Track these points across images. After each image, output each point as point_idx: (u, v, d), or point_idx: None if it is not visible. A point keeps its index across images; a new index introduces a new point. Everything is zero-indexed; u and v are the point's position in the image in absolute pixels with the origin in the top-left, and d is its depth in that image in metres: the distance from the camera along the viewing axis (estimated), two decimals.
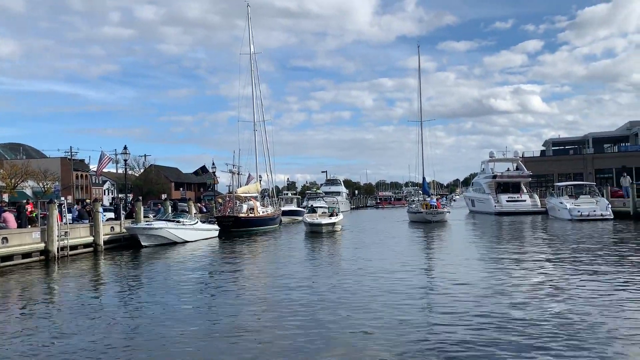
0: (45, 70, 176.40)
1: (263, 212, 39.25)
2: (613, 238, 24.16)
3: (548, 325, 8.69)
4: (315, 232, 31.18)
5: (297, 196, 66.50)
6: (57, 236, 21.41)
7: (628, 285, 11.98)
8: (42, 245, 21.00)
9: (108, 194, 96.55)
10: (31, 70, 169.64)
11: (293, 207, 51.43)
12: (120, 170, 75.66)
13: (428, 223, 37.68)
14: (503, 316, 9.38)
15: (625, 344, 7.63)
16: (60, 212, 22.59)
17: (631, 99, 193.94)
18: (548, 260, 17.02)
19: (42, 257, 20.83)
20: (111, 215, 30.08)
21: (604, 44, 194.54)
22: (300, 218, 42.01)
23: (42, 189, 60.66)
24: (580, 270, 14.52)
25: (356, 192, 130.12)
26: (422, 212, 39.99)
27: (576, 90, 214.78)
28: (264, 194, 46.55)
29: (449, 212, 42.19)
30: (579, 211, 36.36)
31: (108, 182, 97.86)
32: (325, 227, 31.62)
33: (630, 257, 16.76)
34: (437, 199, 43.72)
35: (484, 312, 9.74)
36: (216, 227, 32.02)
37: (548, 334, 8.22)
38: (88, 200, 46.13)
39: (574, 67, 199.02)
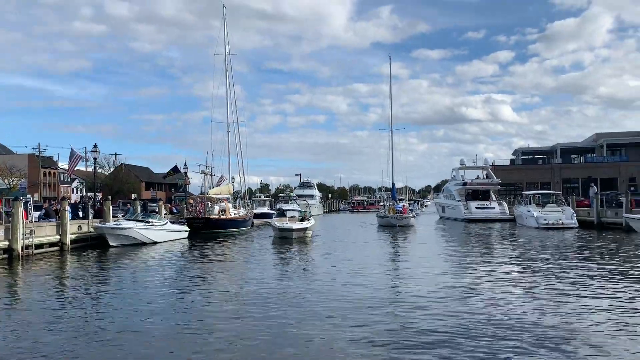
0: (12, 64, 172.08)
1: (235, 214, 39.07)
2: (576, 246, 24.80)
3: (509, 327, 8.92)
4: (284, 238, 28.84)
5: (270, 199, 66.37)
6: (22, 234, 20.96)
7: (588, 290, 12.36)
8: (6, 243, 20.53)
9: (77, 193, 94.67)
10: None
11: (265, 210, 51.30)
12: (89, 169, 74.33)
13: (394, 227, 39.21)
14: (464, 318, 9.58)
15: (584, 345, 7.90)
16: (26, 209, 22.13)
17: (597, 111, 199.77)
18: (511, 265, 17.40)
19: (6, 255, 20.38)
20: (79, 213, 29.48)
21: (573, 57, 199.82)
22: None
23: (8, 186, 59.16)
24: (541, 275, 14.88)
25: (329, 196, 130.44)
26: (388, 217, 41.88)
27: (545, 101, 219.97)
28: (236, 196, 46.34)
29: (414, 217, 43.91)
30: (545, 219, 37.19)
31: (77, 181, 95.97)
32: (296, 232, 29.28)
33: (592, 264, 17.26)
34: (403, 205, 44.85)
35: (443, 314, 9.94)
36: (186, 228, 31.76)
37: (510, 335, 8.43)
38: (70, 200, 45.16)
39: (543, 78, 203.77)
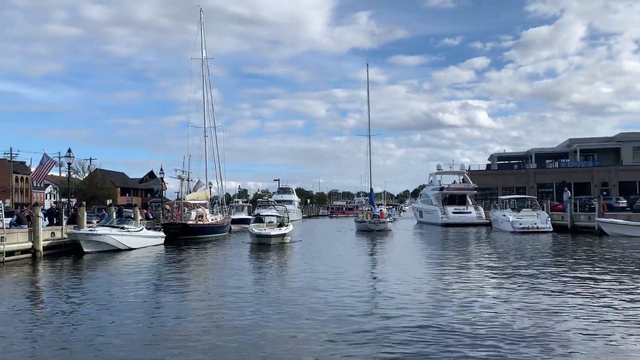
0: None
1: (212, 220, 38.75)
2: (551, 249, 25.20)
3: (484, 330, 8.99)
4: (262, 244, 28.02)
5: (249, 204, 66.05)
6: None
7: (562, 293, 12.54)
8: None
9: (50, 198, 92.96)
10: None
11: (244, 216, 51.02)
12: (63, 174, 73.04)
13: (372, 232, 39.59)
14: (439, 323, 9.64)
15: (558, 347, 8.00)
16: None
17: (571, 117, 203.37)
18: (486, 268, 17.58)
19: None
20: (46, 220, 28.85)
21: (547, 64, 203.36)
22: None
23: None
24: (516, 278, 15.06)
25: (308, 201, 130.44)
26: (366, 222, 42.19)
27: (520, 107, 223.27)
28: (213, 202, 45.98)
29: (391, 222, 44.56)
30: (520, 224, 37.73)
31: (50, 186, 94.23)
32: (274, 238, 28.39)
33: (565, 267, 17.54)
34: (381, 210, 45.53)
35: (420, 317, 9.99)
36: (162, 234, 31.36)
37: (484, 337, 8.50)
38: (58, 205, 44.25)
39: (518, 84, 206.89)
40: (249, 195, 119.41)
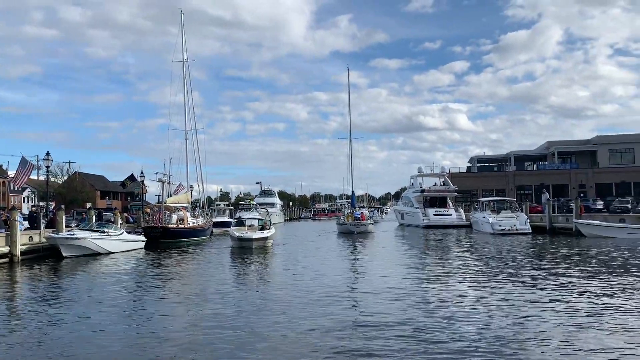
0: None
1: (193, 223, 38.50)
2: (529, 250, 25.58)
3: (459, 330, 9.12)
4: (244, 248, 27.63)
5: (230, 207, 65.72)
6: None
7: (539, 292, 12.76)
8: None
9: (28, 202, 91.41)
10: None
11: (225, 219, 50.75)
12: (41, 177, 71.91)
13: (352, 234, 40.14)
14: (418, 322, 9.75)
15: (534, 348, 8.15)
16: None
17: (549, 120, 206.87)
18: (466, 269, 17.79)
19: None
20: (27, 224, 28.52)
21: (525, 68, 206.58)
22: None
23: None
24: (495, 279, 15.28)
25: (290, 204, 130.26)
26: (347, 224, 42.77)
27: (499, 110, 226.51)
28: (194, 205, 45.70)
29: (372, 224, 45.17)
30: (500, 225, 38.23)
31: (28, 190, 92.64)
32: (256, 242, 28.04)
33: (544, 268, 17.84)
34: (362, 213, 45.98)
35: (402, 320, 10.09)
36: (142, 238, 31.08)
37: (463, 339, 8.62)
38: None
39: (497, 88, 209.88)
40: (230, 199, 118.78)
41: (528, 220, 39.27)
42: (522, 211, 41.76)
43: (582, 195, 58.38)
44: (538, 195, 56.54)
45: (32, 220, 27.68)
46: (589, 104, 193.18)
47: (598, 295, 12.69)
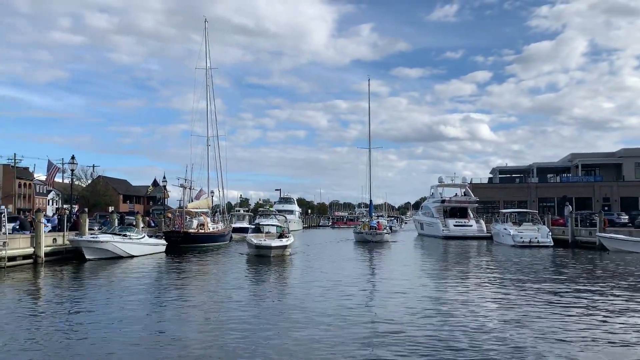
0: None
1: (213, 229, 38.83)
2: (550, 264, 25.18)
3: (479, 343, 9.06)
4: (261, 256, 26.41)
5: (250, 213, 66.12)
6: None
7: (561, 307, 12.60)
8: None
9: (52, 204, 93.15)
10: None
11: (245, 225, 51.06)
12: (66, 180, 73.18)
13: (369, 243, 40.48)
14: (442, 336, 9.71)
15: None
16: None
17: (572, 131, 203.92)
18: (486, 282, 17.63)
19: None
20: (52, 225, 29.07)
21: (548, 79, 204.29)
22: None
23: None
24: (516, 293, 15.12)
25: (309, 211, 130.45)
26: (363, 233, 43.21)
27: (522, 120, 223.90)
28: (215, 210, 46.09)
29: (388, 233, 45.27)
30: (521, 237, 37.73)
31: (53, 192, 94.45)
32: (275, 250, 26.66)
33: (565, 282, 17.58)
34: (378, 222, 46.44)
35: (426, 334, 10.07)
36: (163, 242, 31.44)
37: (479, 351, 8.57)
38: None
39: (520, 98, 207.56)
40: (250, 205, 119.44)
41: (550, 233, 38.70)
42: (544, 224, 41.19)
43: (606, 208, 57.40)
44: (560, 208, 55.69)
45: (60, 223, 28.18)
46: (614, 116, 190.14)
47: (618, 312, 12.48)
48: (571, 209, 43.19)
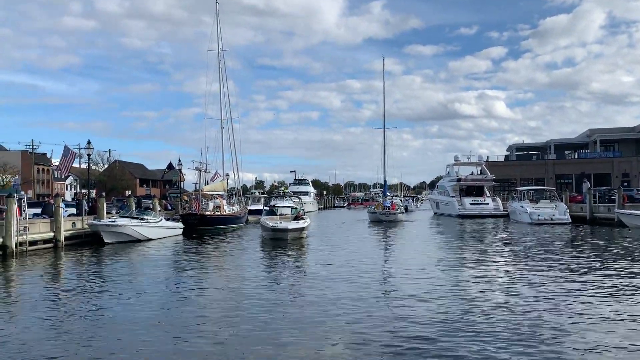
0: (2, 60, 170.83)
1: (229, 211, 39.07)
2: (568, 241, 24.98)
3: (500, 323, 9.04)
4: (278, 239, 25.63)
5: (265, 195, 66.42)
6: (16, 231, 20.94)
7: (577, 285, 12.51)
8: (0, 240, 20.50)
9: (70, 189, 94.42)
10: None
11: (260, 207, 51.30)
12: (83, 165, 73.97)
13: (382, 222, 40.76)
14: (460, 315, 9.71)
15: (575, 342, 8.02)
16: (20, 206, 22.10)
17: (590, 107, 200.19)
18: (502, 260, 17.56)
19: (0, 252, 20.34)
20: (73, 210, 29.52)
21: (565, 53, 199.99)
22: None
23: (1, 182, 58.96)
24: (532, 270, 15.03)
25: (324, 192, 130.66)
26: (376, 213, 43.72)
27: (539, 97, 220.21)
28: (230, 193, 46.35)
29: (401, 213, 45.53)
30: (538, 215, 37.45)
31: (71, 177, 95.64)
32: (292, 232, 25.78)
33: (582, 259, 17.44)
34: (392, 202, 46.87)
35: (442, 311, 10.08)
36: (180, 225, 31.74)
37: (501, 331, 8.56)
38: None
39: (536, 74, 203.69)
40: (265, 187, 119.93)
41: (567, 210, 38.33)
42: (561, 201, 40.79)
43: (625, 184, 56.59)
44: (578, 185, 55.10)
45: (80, 207, 28.59)
46: (634, 90, 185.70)
47: (638, 288, 12.36)
48: (589, 186, 42.69)
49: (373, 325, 9.11)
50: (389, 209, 43.54)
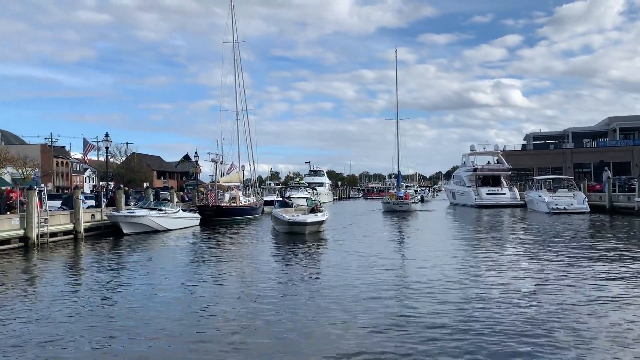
0: (18, 53, 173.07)
1: (245, 202, 39.33)
2: (587, 231, 24.72)
3: (522, 314, 9.02)
4: (294, 234, 23.83)
5: (280, 186, 66.63)
6: (37, 223, 21.31)
7: (597, 274, 12.40)
8: (22, 232, 20.88)
9: (89, 182, 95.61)
10: (5, 53, 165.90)
11: (276, 198, 51.53)
12: (101, 158, 74.89)
13: (396, 212, 41.74)
14: (479, 306, 9.70)
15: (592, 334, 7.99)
16: (41, 199, 22.47)
17: (609, 94, 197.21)
18: (520, 250, 17.44)
19: (22, 243, 20.72)
20: (92, 202, 29.93)
21: (582, 40, 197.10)
22: None
23: (22, 175, 59.89)
24: (550, 260, 14.92)
25: (339, 183, 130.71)
26: (390, 203, 44.65)
27: (555, 85, 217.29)
28: (246, 184, 46.62)
29: (415, 203, 46.47)
30: (556, 204, 37.08)
31: (89, 170, 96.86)
32: (310, 226, 24.02)
33: (601, 249, 17.25)
34: (405, 192, 47.72)
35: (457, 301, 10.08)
36: (197, 215, 32.05)
37: (517, 323, 8.54)
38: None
39: (552, 62, 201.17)
40: (280, 178, 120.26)
41: (586, 199, 37.86)
42: (580, 190, 40.30)
43: None
44: (597, 174, 54.36)
45: (99, 199, 28.97)
46: None
47: None
48: (609, 174, 42.09)
49: (393, 322, 9.14)
50: (402, 199, 44.29)
